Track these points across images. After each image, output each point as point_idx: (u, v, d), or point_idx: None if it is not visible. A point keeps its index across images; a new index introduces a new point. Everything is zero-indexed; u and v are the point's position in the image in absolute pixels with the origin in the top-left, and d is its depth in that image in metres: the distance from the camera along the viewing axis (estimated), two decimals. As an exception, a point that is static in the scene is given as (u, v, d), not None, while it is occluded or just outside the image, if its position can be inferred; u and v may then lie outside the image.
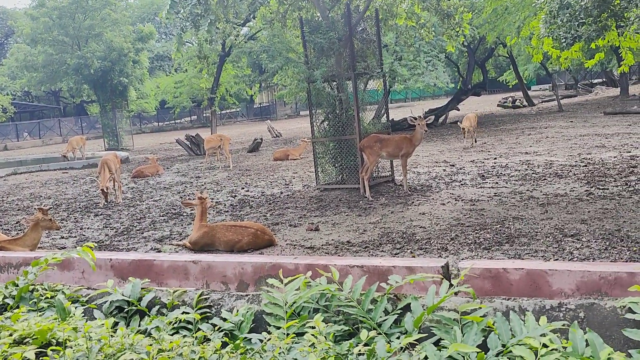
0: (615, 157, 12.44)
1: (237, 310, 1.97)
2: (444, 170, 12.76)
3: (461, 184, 10.66)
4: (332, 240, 7.42)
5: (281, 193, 11.48)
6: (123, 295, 2.12)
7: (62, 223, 10.34)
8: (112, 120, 28.27)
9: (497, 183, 10.48)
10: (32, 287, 2.35)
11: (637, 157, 12.06)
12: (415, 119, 9.92)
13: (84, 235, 9.04)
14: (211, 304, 2.14)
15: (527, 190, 9.52)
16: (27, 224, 7.74)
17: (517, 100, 40.40)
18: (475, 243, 6.69)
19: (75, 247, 8.31)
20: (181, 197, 12.10)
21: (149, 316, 2.05)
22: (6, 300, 2.21)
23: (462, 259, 5.88)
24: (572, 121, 23.74)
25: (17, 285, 2.31)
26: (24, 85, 29.29)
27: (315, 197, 10.55)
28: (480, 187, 10.19)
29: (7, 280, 7.29)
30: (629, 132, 17.14)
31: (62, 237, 8.90)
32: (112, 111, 27.96)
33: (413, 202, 9.32)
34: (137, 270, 5.99)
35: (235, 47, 16.74)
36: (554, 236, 6.64)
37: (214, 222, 8.33)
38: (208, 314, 2.08)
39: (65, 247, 8.30)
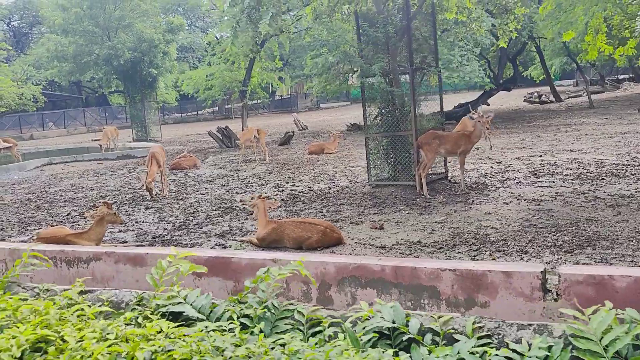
0: (668, 156, 12.18)
1: (528, 343, 1.81)
2: (492, 167, 12.55)
3: (516, 183, 10.47)
4: (402, 239, 7.28)
5: (329, 188, 11.35)
6: (383, 319, 1.96)
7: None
8: (140, 111, 28.28)
9: (553, 182, 10.28)
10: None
11: (692, 156, 11.79)
12: (475, 115, 9.74)
13: (141, 229, 8.98)
14: (489, 332, 1.97)
15: (589, 190, 9.31)
16: (92, 218, 7.70)
17: (543, 96, 39.92)
18: (555, 246, 6.52)
19: (136, 241, 8.27)
20: (227, 191, 12.02)
21: (424, 346, 1.89)
22: (242, 320, 2.08)
23: (559, 264, 5.72)
24: (606, 118, 23.37)
25: (241, 302, 2.19)
26: (54, 75, 29.37)
27: (368, 193, 10.42)
28: (538, 186, 9.99)
29: (76, 275, 7.20)
30: (672, 131, 16.82)
31: (120, 231, 8.84)
32: (141, 102, 27.97)
33: (473, 201, 9.15)
34: (213, 267, 5.91)
35: (292, 41, 16.57)
36: (638, 240, 6.46)
37: (279, 219, 8.21)
38: (491, 345, 1.91)
39: (126, 241, 8.24)
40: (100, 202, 7.87)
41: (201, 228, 8.76)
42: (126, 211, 10.60)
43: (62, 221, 10.05)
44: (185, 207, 10.53)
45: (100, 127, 45.71)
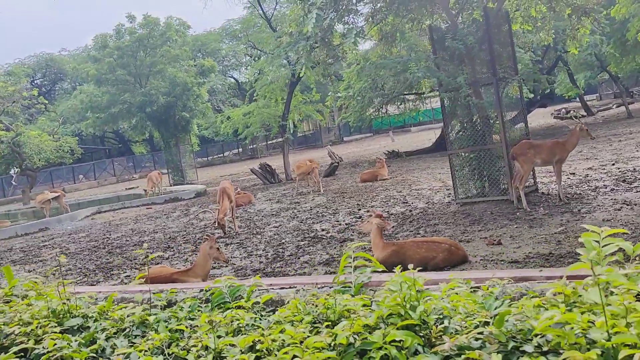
0: None
1: None
2: (569, 179, 12.07)
3: (611, 190, 9.97)
4: (530, 253, 6.81)
5: (410, 211, 10.92)
6: None
7: (195, 255, 9.93)
8: (175, 156, 28.19)
9: (651, 186, 9.78)
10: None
11: None
12: (578, 124, 9.37)
13: (234, 264, 8.59)
14: None
15: (700, 190, 8.81)
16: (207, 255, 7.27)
17: (572, 111, 39.48)
18: None
19: (236, 275, 7.86)
20: (301, 222, 11.62)
21: None
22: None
23: None
24: (654, 126, 22.88)
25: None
26: (90, 126, 29.42)
27: (459, 212, 9.96)
28: (638, 192, 9.49)
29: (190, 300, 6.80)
30: None
31: (214, 267, 8.43)
32: (176, 146, 27.91)
33: (579, 211, 8.66)
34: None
35: (363, 61, 16.40)
36: None
37: (394, 241, 7.76)
38: None
39: (226, 277, 7.84)
40: (205, 235, 7.51)
41: (298, 258, 8.34)
42: (206, 249, 10.21)
43: (143, 264, 9.69)
44: (267, 241, 10.13)
45: (130, 176, 45.92)
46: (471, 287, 2.51)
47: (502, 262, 6.58)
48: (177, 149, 28.02)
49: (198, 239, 11.51)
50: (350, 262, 2.81)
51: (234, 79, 54.84)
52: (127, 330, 2.58)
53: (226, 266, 8.45)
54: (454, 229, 8.73)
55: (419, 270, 7.00)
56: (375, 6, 10.20)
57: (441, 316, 2.13)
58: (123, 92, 27.44)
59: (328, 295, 2.68)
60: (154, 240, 12.13)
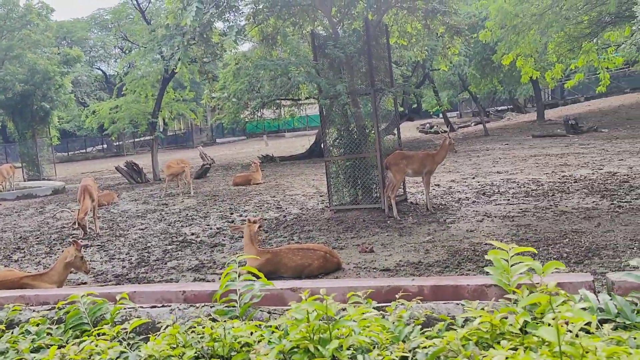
0: (592, 173, 12.79)
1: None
2: (434, 189, 12.60)
3: (473, 202, 10.53)
4: (400, 261, 6.93)
5: (284, 217, 10.80)
6: None
7: (49, 258, 9.09)
8: (31, 149, 25.96)
9: (508, 200, 10.44)
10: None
11: (616, 172, 12.51)
12: (446, 138, 9.75)
13: (94, 268, 7.92)
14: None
15: (550, 205, 9.52)
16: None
17: (435, 127, 41.92)
18: (562, 257, 6.46)
19: (95, 281, 7.27)
20: (169, 225, 11.08)
21: None
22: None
23: (606, 273, 5.62)
24: (507, 144, 24.74)
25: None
26: None
27: (332, 218, 9.99)
28: (497, 204, 10.09)
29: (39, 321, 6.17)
30: (577, 152, 17.94)
31: (75, 272, 7.72)
32: (33, 138, 25.71)
33: (445, 220, 9.03)
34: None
35: (242, 60, 15.88)
36: (638, 247, 6.56)
37: (264, 247, 7.53)
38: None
39: (85, 283, 7.20)
40: (71, 239, 6.82)
41: (165, 264, 7.89)
42: (61, 251, 9.37)
43: (-12, 267, 8.66)
44: (131, 244, 9.51)
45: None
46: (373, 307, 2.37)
47: (375, 270, 6.64)
48: (33, 142, 25.81)
49: (53, 239, 10.57)
50: (234, 276, 2.55)
51: (102, 71, 51.89)
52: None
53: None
54: (328, 236, 8.72)
55: (294, 278, 6.82)
56: (257, 6, 10.02)
57: (354, 351, 1.94)
58: (-29, 76, 24.82)
59: (212, 319, 2.39)
60: (1, 240, 10.97)
